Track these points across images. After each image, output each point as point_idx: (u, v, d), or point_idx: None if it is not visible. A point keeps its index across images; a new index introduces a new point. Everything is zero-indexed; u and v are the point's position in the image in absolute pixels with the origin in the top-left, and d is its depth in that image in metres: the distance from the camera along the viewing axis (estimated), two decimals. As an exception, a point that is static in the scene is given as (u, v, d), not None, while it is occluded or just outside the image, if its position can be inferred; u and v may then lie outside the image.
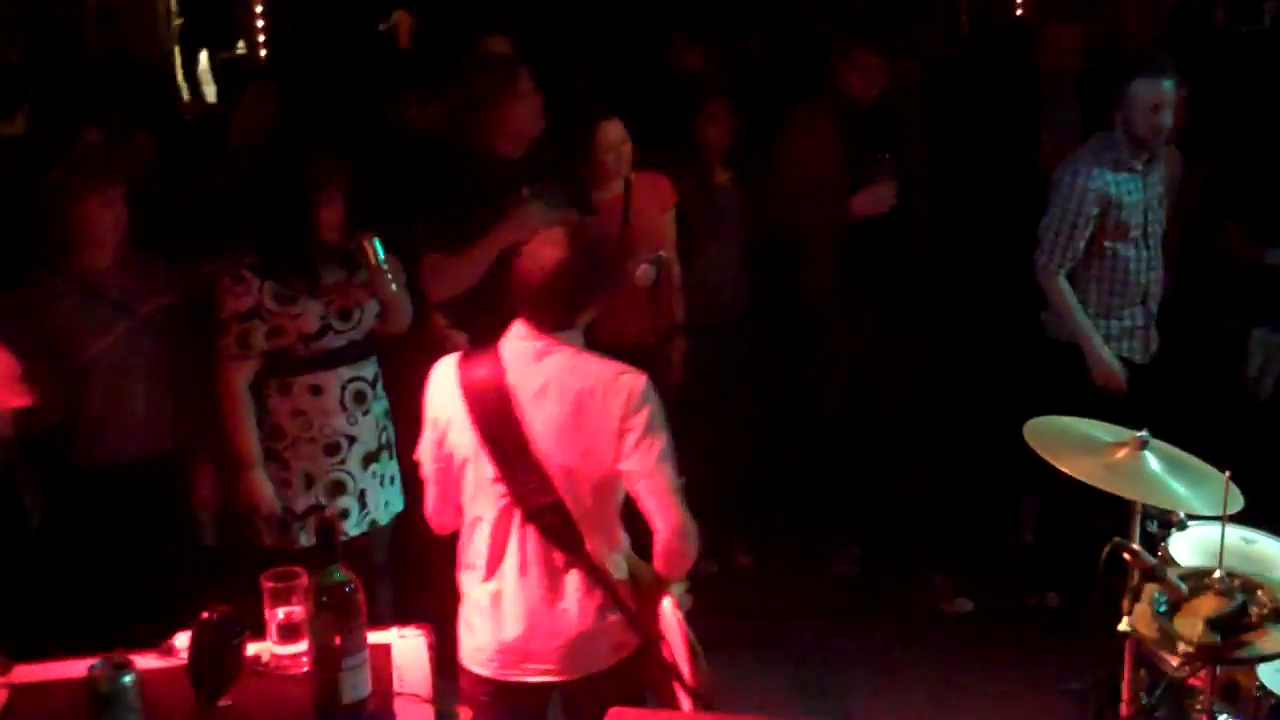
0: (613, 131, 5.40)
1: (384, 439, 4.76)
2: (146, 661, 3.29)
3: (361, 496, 4.68)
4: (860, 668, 5.56)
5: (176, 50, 8.97)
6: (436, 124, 5.60)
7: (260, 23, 7.09)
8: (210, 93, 9.09)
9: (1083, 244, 5.48)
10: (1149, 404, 5.28)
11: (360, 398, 4.66)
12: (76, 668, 3.21)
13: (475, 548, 3.58)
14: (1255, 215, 6.12)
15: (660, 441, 3.44)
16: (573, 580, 3.51)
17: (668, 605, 3.58)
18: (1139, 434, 3.84)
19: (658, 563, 3.53)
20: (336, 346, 4.60)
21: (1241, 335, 6.23)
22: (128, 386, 4.66)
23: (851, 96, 5.72)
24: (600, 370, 3.47)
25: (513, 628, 3.53)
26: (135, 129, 5.85)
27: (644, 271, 5.28)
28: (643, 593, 3.59)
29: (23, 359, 3.86)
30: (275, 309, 4.49)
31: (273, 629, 3.38)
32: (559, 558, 3.50)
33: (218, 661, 3.22)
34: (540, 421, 3.45)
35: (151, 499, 4.77)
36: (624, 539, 3.61)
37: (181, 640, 3.36)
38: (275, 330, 4.51)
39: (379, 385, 4.74)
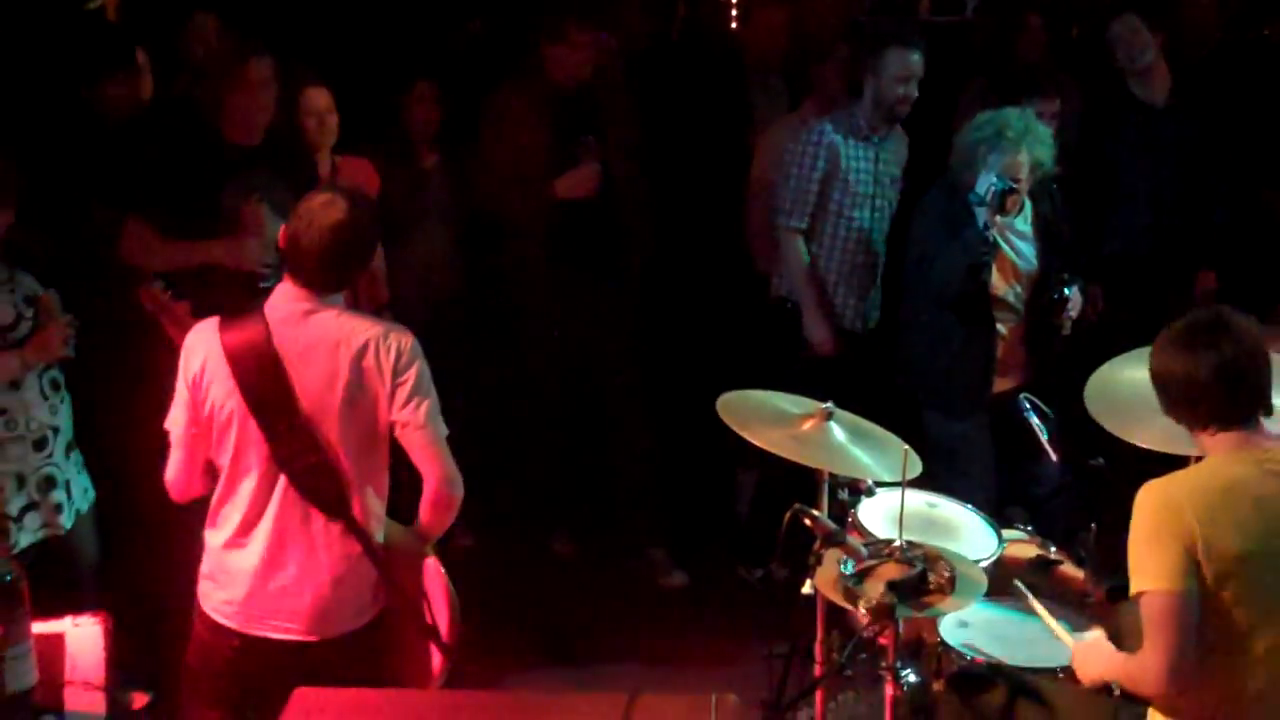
0: (318, 98, 5.33)
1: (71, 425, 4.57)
2: None
3: (67, 487, 4.51)
4: (575, 641, 5.64)
5: None
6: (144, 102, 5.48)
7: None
8: None
9: (813, 197, 5.60)
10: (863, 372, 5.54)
11: (56, 385, 4.47)
12: None
13: (232, 506, 3.61)
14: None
15: (431, 394, 3.56)
16: (332, 540, 3.57)
17: (432, 562, 3.69)
18: (824, 405, 3.99)
19: (424, 513, 3.63)
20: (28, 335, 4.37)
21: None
22: None
23: (556, 79, 5.74)
24: (369, 328, 3.55)
25: (266, 583, 3.57)
26: None
27: None
28: (398, 557, 3.66)
29: None
30: None
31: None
32: (320, 518, 3.55)
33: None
34: (309, 381, 3.50)
35: None
36: (382, 503, 3.67)
37: None
38: None
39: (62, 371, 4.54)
